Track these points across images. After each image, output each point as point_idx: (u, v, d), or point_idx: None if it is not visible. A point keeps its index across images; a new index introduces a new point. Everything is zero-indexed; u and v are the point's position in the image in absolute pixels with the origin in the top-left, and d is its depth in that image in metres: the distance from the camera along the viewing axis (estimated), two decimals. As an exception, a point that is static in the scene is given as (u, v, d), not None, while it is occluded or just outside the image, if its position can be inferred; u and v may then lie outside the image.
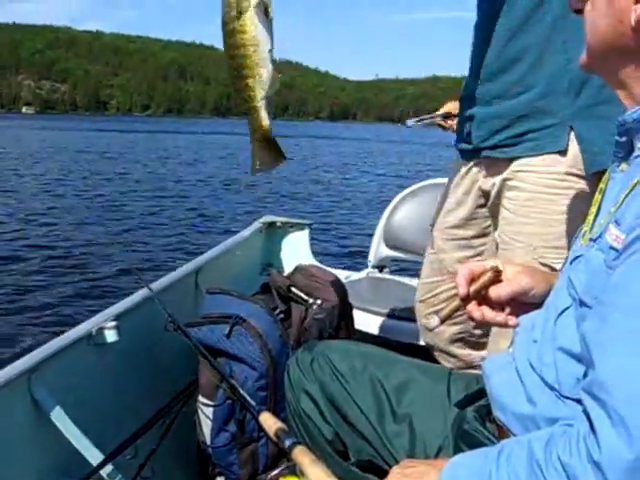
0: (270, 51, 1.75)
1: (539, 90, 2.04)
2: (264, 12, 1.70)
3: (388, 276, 4.28)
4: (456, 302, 1.49)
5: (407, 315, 3.34)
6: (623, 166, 1.29)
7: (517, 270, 1.54)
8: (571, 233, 2.00)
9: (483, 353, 2.51)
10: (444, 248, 2.51)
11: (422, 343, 3.19)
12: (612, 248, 1.12)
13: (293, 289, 2.84)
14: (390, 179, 23.66)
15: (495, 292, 1.48)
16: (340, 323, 2.83)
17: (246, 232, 4.22)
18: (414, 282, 3.99)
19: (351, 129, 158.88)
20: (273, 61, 1.76)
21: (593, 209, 1.38)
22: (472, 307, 1.48)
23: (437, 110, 2.74)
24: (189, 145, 42.61)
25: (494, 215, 2.29)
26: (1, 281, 7.91)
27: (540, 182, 2.06)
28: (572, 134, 2.01)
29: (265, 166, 1.97)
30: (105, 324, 2.47)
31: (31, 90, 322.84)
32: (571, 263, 1.37)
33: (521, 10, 2.04)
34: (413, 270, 4.26)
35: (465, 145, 2.33)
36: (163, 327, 2.56)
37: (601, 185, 1.40)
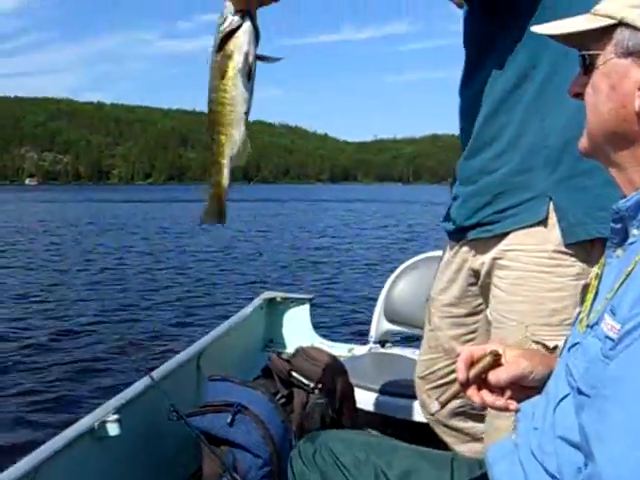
0: (246, 113, 1.78)
1: (517, 166, 2.08)
2: (247, 75, 1.74)
3: (390, 351, 4.26)
4: (455, 386, 1.49)
5: (410, 392, 3.33)
6: (619, 252, 1.31)
7: (516, 354, 1.54)
8: (562, 309, 2.04)
9: (484, 426, 2.51)
10: (440, 325, 2.52)
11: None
12: (608, 337, 1.13)
13: (294, 374, 2.85)
14: (391, 242, 23.71)
15: (495, 376, 1.48)
16: (342, 406, 2.84)
17: (247, 310, 4.23)
18: (416, 356, 4.00)
19: (352, 190, 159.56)
20: (247, 123, 1.79)
21: (590, 295, 1.39)
22: (472, 392, 1.48)
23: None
24: (190, 214, 42.75)
25: (485, 293, 2.30)
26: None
27: (530, 261, 2.08)
28: (551, 206, 2.04)
29: (208, 220, 2.01)
30: (107, 417, 2.47)
31: (34, 162, 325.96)
32: (569, 350, 1.38)
33: (499, 92, 2.10)
34: (416, 343, 4.26)
35: (450, 225, 2.37)
36: (165, 416, 2.57)
37: (597, 270, 1.41)
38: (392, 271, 4.42)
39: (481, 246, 2.24)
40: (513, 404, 1.49)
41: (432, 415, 2.60)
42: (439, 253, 4.11)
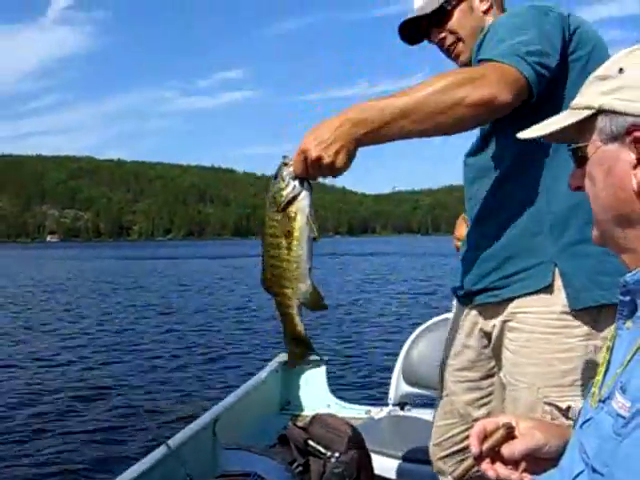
0: (310, 269, 1.83)
1: (522, 232, 2.11)
2: (309, 232, 1.79)
3: (410, 414, 4.21)
4: (469, 461, 1.47)
5: (427, 457, 3.29)
6: (628, 324, 1.30)
7: (530, 425, 1.52)
8: (572, 370, 2.04)
9: None
10: (454, 390, 2.50)
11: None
12: (619, 415, 1.12)
13: (310, 442, 2.82)
14: (411, 297, 23.59)
15: (508, 450, 1.46)
16: (360, 475, 2.79)
17: (263, 373, 4.22)
18: (436, 419, 3.95)
19: (371, 242, 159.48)
20: (312, 277, 1.83)
21: (601, 368, 1.37)
22: (486, 466, 1.45)
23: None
24: (208, 270, 42.79)
25: (497, 356, 2.30)
26: (6, 428, 7.65)
27: (538, 322, 2.08)
28: (557, 271, 2.06)
29: (296, 359, 2.09)
30: None
31: (55, 219, 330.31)
32: (581, 426, 1.36)
33: (507, 163, 2.15)
34: (435, 405, 4.21)
35: (459, 290, 2.37)
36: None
37: (608, 343, 1.40)
38: (412, 328, 4.39)
39: (490, 310, 2.25)
40: (528, 477, 1.47)
41: None
42: (456, 314, 4.11)
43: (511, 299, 2.15)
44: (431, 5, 2.33)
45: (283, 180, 1.74)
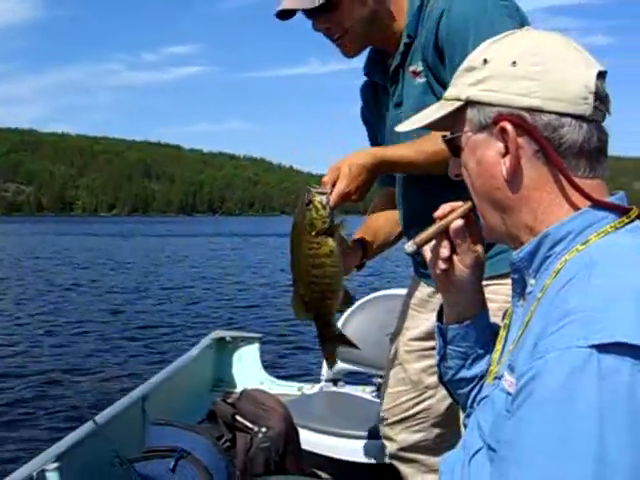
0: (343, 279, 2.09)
1: None
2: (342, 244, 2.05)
3: (343, 390, 4.25)
4: (432, 229, 1.47)
5: (361, 433, 3.32)
6: (521, 301, 1.35)
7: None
8: None
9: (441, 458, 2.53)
10: (407, 359, 2.56)
11: (377, 461, 3.18)
12: (508, 393, 1.17)
13: (238, 418, 2.83)
14: (350, 279, 23.57)
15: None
16: (286, 450, 2.81)
17: (195, 350, 4.21)
18: (368, 395, 4.00)
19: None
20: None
21: (498, 346, 1.42)
22: (445, 243, 1.48)
23: None
24: (150, 248, 42.24)
25: None
26: None
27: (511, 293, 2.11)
28: None
29: (334, 360, 2.35)
30: (46, 466, 2.43)
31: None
32: (479, 403, 1.40)
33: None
34: (368, 382, 4.26)
35: (424, 269, 2.37)
36: (107, 463, 2.52)
37: (505, 321, 1.45)
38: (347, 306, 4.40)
39: None
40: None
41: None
42: (393, 292, 4.17)
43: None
44: None
45: (324, 207, 1.94)
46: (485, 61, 1.27)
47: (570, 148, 1.20)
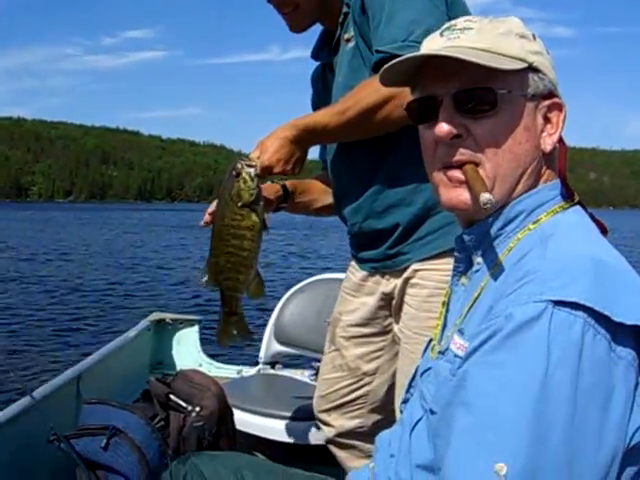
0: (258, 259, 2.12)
1: (431, 198, 2.14)
2: (263, 229, 2.08)
3: (280, 372, 4.30)
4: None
5: (297, 415, 3.36)
6: (463, 280, 1.38)
7: None
8: None
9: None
10: (345, 345, 2.58)
11: (312, 442, 3.23)
12: (457, 356, 1.21)
13: (172, 397, 2.86)
14: (282, 259, 23.77)
15: None
16: (220, 430, 2.84)
17: (133, 332, 4.21)
18: (306, 378, 4.03)
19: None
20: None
21: (439, 322, 1.46)
22: None
23: None
24: (102, 235, 41.45)
25: (397, 312, 2.38)
26: None
27: (440, 279, 2.15)
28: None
29: (227, 341, 2.32)
30: None
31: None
32: (421, 375, 1.44)
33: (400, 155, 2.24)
34: (305, 365, 4.30)
35: (364, 253, 2.45)
36: (40, 440, 2.54)
37: (444, 299, 1.49)
38: (286, 289, 4.48)
39: (393, 272, 2.34)
40: None
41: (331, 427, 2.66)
42: (332, 275, 4.20)
43: (415, 261, 2.25)
44: None
45: (252, 179, 1.98)
46: (534, 37, 1.31)
47: None
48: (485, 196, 1.20)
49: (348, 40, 2.28)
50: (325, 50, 2.50)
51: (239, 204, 2.00)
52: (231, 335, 2.26)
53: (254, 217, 2.02)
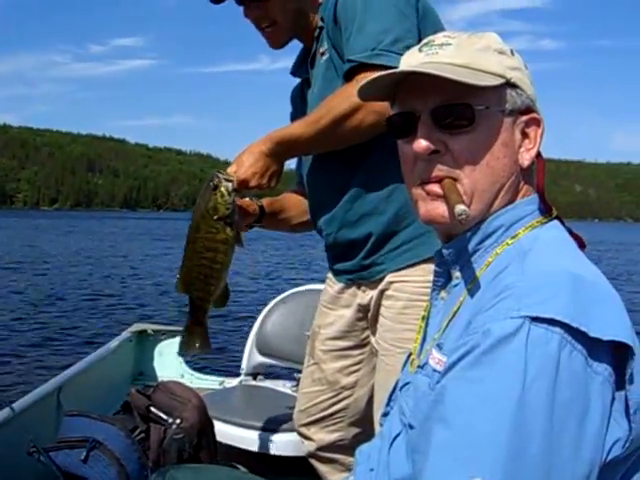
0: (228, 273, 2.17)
1: (406, 206, 2.16)
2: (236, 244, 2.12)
3: (262, 384, 4.29)
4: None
5: (279, 427, 3.36)
6: (443, 294, 1.39)
7: None
8: None
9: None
10: (324, 358, 2.59)
11: (293, 454, 3.22)
12: (435, 371, 1.21)
13: (152, 409, 2.85)
14: (269, 269, 23.81)
15: None
16: (201, 442, 2.84)
17: (114, 342, 4.21)
18: (287, 389, 4.03)
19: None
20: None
21: (418, 336, 1.47)
22: None
23: None
24: (87, 243, 41.18)
25: (373, 324, 2.39)
26: None
27: (415, 291, 2.18)
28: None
29: (192, 351, 2.36)
30: None
31: None
32: (401, 389, 1.45)
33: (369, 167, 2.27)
34: (288, 376, 4.30)
35: (340, 265, 2.46)
36: (24, 450, 2.53)
37: (423, 313, 1.50)
38: (269, 300, 4.47)
39: (368, 284, 2.35)
40: None
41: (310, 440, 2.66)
42: (314, 286, 4.20)
43: (390, 271, 2.26)
44: None
45: (229, 194, 2.02)
46: (512, 52, 1.32)
47: None
48: (460, 207, 1.21)
49: (323, 53, 2.31)
50: (303, 66, 2.53)
51: (215, 217, 2.03)
52: (193, 346, 2.30)
53: (228, 231, 2.05)
